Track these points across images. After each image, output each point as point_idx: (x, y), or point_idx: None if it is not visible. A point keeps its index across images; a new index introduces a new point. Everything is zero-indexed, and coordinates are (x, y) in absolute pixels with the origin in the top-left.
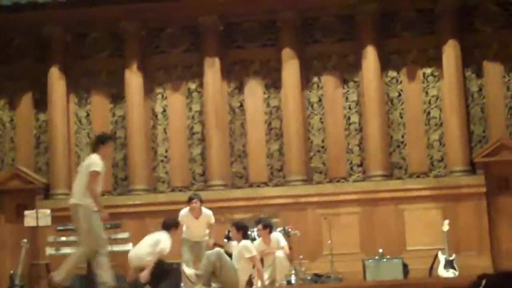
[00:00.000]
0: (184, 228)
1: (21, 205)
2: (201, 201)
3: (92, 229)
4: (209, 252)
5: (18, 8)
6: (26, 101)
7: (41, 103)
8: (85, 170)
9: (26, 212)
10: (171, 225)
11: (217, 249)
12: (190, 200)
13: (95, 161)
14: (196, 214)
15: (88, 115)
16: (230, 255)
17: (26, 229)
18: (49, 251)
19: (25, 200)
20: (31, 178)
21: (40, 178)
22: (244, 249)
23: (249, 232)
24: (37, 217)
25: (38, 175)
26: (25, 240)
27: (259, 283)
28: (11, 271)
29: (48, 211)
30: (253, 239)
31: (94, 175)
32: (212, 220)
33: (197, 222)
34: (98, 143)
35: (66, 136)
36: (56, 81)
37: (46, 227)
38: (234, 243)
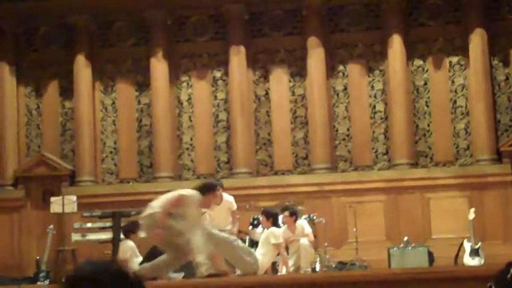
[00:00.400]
0: (207, 216)
1: (47, 192)
2: (223, 188)
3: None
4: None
5: None
6: (53, 88)
7: (67, 91)
8: (175, 191)
9: (52, 199)
10: (128, 230)
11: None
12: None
13: (189, 191)
14: (218, 201)
15: (113, 102)
16: (255, 243)
17: (52, 216)
18: (75, 237)
19: (51, 187)
20: (57, 165)
21: (66, 165)
22: (271, 234)
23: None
24: (63, 203)
25: (64, 162)
26: (51, 226)
27: (284, 270)
28: (37, 257)
29: (74, 198)
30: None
31: (177, 196)
32: (234, 206)
33: (218, 209)
34: (202, 190)
35: (92, 124)
36: (82, 68)
37: (72, 213)
38: (259, 230)
